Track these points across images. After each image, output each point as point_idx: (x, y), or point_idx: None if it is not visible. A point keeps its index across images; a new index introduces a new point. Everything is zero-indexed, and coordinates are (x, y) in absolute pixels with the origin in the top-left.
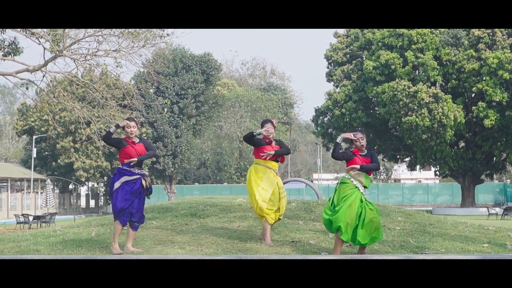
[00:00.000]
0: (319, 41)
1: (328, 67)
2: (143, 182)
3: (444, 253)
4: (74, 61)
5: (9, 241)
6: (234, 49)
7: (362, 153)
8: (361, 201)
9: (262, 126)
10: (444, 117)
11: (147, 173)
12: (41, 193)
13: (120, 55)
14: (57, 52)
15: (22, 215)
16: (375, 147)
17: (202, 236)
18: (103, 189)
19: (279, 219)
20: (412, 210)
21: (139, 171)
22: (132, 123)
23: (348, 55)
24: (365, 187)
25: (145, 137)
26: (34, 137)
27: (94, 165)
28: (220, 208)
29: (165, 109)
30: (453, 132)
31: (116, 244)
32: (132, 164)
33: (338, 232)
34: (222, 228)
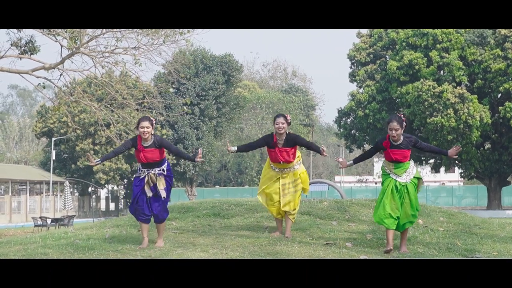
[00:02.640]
0: (342, 41)
1: (351, 67)
2: (146, 177)
3: (497, 256)
4: (92, 59)
5: (16, 244)
6: (255, 51)
7: (395, 143)
8: (396, 187)
9: (274, 122)
10: (470, 118)
11: (158, 171)
12: (60, 195)
13: (139, 52)
14: (74, 49)
15: (40, 217)
16: None
17: (226, 238)
18: (123, 192)
19: (289, 212)
20: (453, 210)
21: (147, 171)
22: (145, 123)
23: (371, 55)
24: (398, 174)
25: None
26: (53, 139)
27: (114, 168)
28: (245, 207)
29: (185, 107)
30: (479, 133)
31: (145, 238)
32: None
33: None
34: (248, 229)
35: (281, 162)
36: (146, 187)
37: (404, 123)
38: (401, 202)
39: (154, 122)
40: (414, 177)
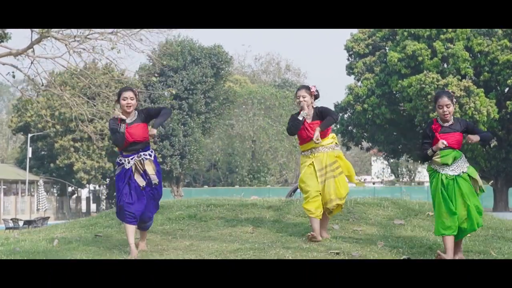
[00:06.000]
0: (339, 31)
1: (348, 59)
2: (133, 166)
3: None
4: (65, 45)
5: None
6: (246, 44)
7: (445, 125)
8: (442, 183)
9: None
10: (476, 113)
11: (147, 154)
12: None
13: (118, 38)
14: (43, 33)
15: (11, 219)
16: (399, 147)
17: (203, 245)
18: (105, 192)
19: (331, 210)
20: None
21: (132, 156)
22: (128, 93)
23: (370, 46)
24: (446, 164)
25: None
26: (30, 135)
27: (96, 166)
28: (227, 208)
29: (166, 94)
30: (485, 129)
31: (132, 245)
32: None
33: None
34: (230, 234)
35: (310, 139)
36: (136, 176)
37: (455, 100)
38: (454, 201)
39: (137, 93)
40: (467, 173)
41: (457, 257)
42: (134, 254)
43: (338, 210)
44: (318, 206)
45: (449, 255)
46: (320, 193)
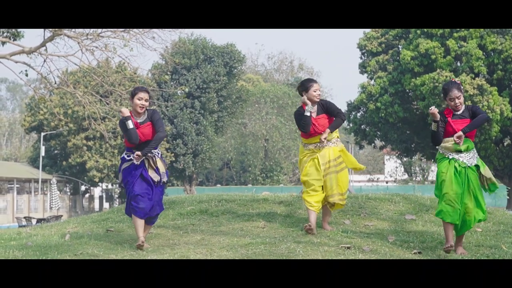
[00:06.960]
0: (352, 30)
1: (361, 58)
2: (145, 162)
3: None
4: (78, 43)
5: None
6: (259, 42)
7: (457, 113)
8: (456, 170)
9: (304, 89)
10: (489, 111)
11: (156, 153)
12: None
13: (130, 35)
14: (56, 31)
15: (24, 218)
16: (412, 145)
17: (214, 239)
18: (118, 191)
19: (332, 203)
20: (490, 207)
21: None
22: (144, 94)
23: (383, 45)
24: (459, 151)
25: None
26: (42, 134)
27: (109, 165)
28: (239, 203)
29: (179, 93)
30: (498, 127)
31: (142, 238)
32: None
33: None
34: (241, 229)
35: (317, 134)
36: (150, 172)
37: (463, 89)
38: (463, 190)
39: (150, 95)
40: (476, 166)
41: (459, 252)
42: (142, 241)
43: (339, 206)
44: (318, 201)
45: (448, 242)
46: (323, 188)
